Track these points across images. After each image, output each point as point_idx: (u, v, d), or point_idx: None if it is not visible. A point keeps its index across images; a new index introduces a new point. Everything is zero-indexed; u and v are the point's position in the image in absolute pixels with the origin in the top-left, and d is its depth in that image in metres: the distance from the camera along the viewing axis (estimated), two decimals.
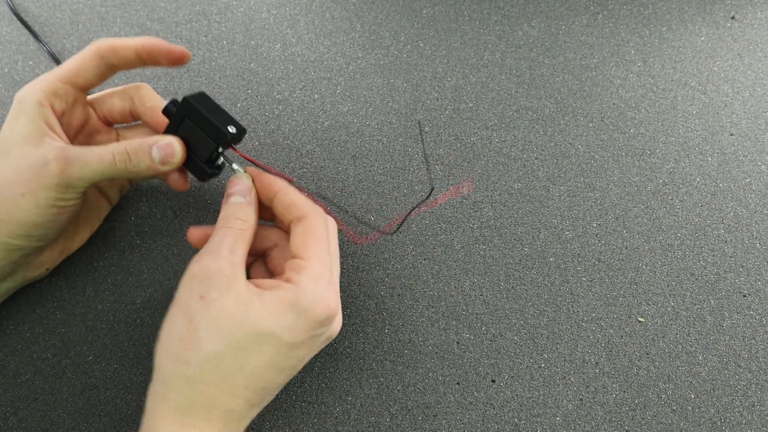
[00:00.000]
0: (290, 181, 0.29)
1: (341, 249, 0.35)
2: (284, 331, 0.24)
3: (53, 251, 0.31)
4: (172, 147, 0.28)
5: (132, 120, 0.32)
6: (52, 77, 0.28)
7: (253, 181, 0.29)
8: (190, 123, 0.28)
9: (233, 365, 0.24)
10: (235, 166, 0.29)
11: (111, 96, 0.31)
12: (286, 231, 0.29)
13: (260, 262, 0.31)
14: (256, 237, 0.29)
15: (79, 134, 0.31)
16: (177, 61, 0.29)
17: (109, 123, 0.32)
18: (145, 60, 0.29)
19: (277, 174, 0.29)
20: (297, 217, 0.27)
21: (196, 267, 0.25)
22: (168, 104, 0.28)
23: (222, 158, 0.29)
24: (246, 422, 0.26)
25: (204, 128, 0.28)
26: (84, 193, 0.28)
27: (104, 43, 0.28)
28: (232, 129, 0.28)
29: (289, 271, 0.26)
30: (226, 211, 0.27)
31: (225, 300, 0.24)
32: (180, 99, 0.28)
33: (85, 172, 0.26)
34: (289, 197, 0.28)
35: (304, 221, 0.27)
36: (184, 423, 0.24)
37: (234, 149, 0.29)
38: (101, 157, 0.26)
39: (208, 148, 0.28)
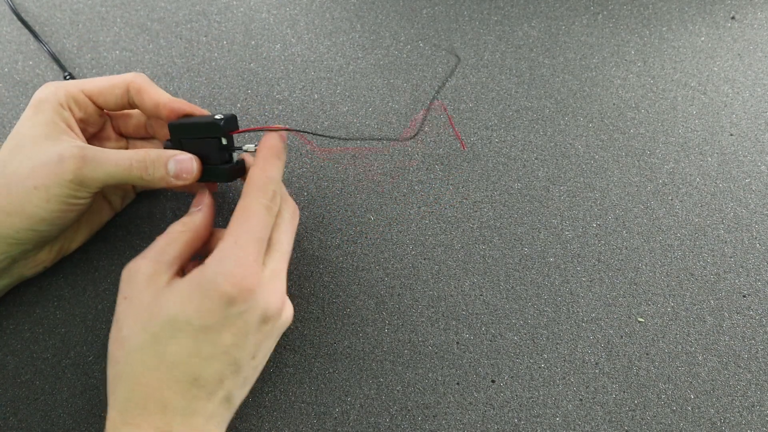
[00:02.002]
0: (287, 130, 0.29)
1: (343, 244, 0.35)
2: (193, 314, 0.24)
3: (51, 250, 0.31)
4: (191, 163, 0.28)
5: (145, 134, 0.33)
6: (76, 85, 0.28)
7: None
8: (187, 140, 0.28)
9: (154, 357, 0.24)
10: (246, 147, 0.29)
11: (129, 113, 0.32)
12: None
13: None
14: (211, 241, 0.29)
15: (93, 140, 0.31)
16: None
17: (122, 135, 0.33)
18: (161, 117, 0.29)
19: (283, 129, 0.28)
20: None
21: (123, 270, 0.26)
22: (165, 142, 0.29)
23: (235, 153, 0.29)
24: (197, 418, 0.25)
25: (199, 134, 0.28)
26: (94, 193, 0.28)
27: (139, 80, 0.29)
28: (219, 116, 0.28)
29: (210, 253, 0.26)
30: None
31: (143, 296, 0.25)
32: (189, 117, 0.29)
33: (99, 173, 0.26)
34: (250, 172, 0.27)
35: (241, 201, 0.27)
36: (124, 421, 0.24)
37: (235, 133, 0.29)
38: (118, 162, 0.27)
39: (214, 146, 0.28)
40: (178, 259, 0.27)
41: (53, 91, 0.28)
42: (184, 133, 0.28)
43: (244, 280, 0.25)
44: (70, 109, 0.28)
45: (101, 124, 0.31)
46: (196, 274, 0.25)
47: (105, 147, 0.32)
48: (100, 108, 0.29)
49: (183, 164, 0.28)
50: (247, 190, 0.27)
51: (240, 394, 0.27)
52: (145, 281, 0.25)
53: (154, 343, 0.24)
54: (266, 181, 0.27)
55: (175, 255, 0.26)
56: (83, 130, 0.30)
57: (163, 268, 0.26)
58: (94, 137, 0.31)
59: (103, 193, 0.33)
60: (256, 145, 0.29)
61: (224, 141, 0.28)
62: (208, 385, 0.25)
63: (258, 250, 0.26)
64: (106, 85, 0.29)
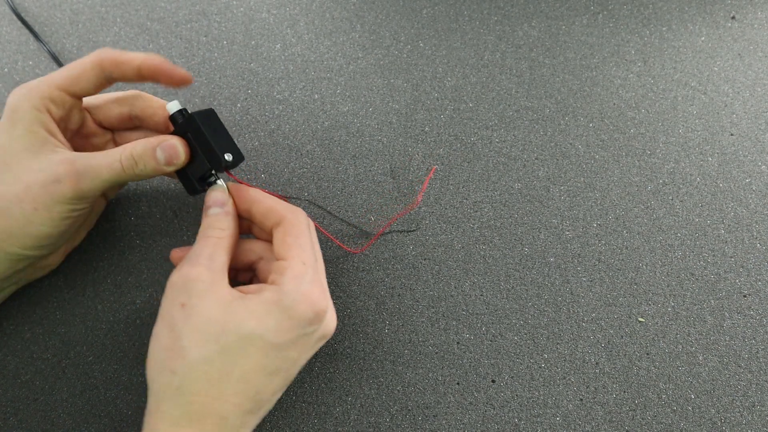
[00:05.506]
0: (285, 200, 0.29)
1: (341, 251, 0.35)
2: (269, 332, 0.24)
3: (57, 254, 0.31)
4: (176, 149, 0.28)
5: (129, 124, 0.32)
6: (48, 83, 0.27)
7: (229, 192, 0.29)
8: (192, 139, 0.28)
9: (221, 370, 0.24)
10: (219, 182, 0.29)
11: (108, 101, 0.31)
12: (269, 240, 0.29)
13: (252, 276, 0.31)
14: (241, 251, 0.29)
15: (75, 137, 0.30)
16: (178, 83, 0.28)
17: (105, 128, 0.32)
18: (145, 77, 0.28)
19: (276, 196, 0.29)
20: (276, 222, 0.28)
21: (175, 276, 0.26)
22: (176, 113, 0.29)
23: (214, 179, 0.29)
24: (245, 430, 0.26)
25: (203, 148, 0.28)
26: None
27: (107, 55, 0.27)
28: (228, 157, 0.28)
29: (273, 273, 0.26)
30: (204, 223, 0.28)
31: (205, 305, 0.24)
32: (189, 111, 0.29)
33: (96, 183, 0.26)
34: (266, 204, 0.28)
35: (284, 223, 0.27)
36: None
37: (229, 173, 0.29)
38: (110, 167, 0.26)
39: (203, 168, 0.28)
40: (227, 266, 0.26)
41: (26, 96, 0.26)
42: (194, 132, 0.28)
43: (320, 302, 0.26)
44: (48, 111, 0.27)
45: (81, 119, 0.30)
46: (273, 293, 0.25)
47: (90, 143, 0.31)
48: (78, 98, 0.28)
49: (170, 151, 0.27)
50: (282, 214, 0.28)
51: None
52: (205, 289, 0.25)
53: (222, 355, 0.24)
54: (289, 205, 0.28)
55: (224, 261, 0.26)
56: (64, 129, 0.28)
57: (218, 276, 0.25)
58: (76, 134, 0.30)
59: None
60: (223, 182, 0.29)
61: (214, 171, 0.29)
62: (264, 401, 0.26)
63: (317, 268, 0.27)
64: (76, 70, 0.27)
